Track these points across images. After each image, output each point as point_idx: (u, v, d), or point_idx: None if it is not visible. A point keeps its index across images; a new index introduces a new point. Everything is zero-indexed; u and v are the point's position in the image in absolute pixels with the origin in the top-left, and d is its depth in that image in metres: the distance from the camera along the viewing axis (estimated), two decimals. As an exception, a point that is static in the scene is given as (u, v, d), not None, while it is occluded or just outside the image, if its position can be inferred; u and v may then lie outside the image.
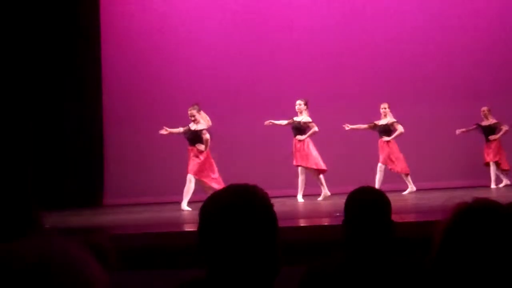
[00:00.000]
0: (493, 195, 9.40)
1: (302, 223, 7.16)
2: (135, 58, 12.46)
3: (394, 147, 11.07)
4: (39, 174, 11.49)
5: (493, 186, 11.25)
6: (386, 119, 11.11)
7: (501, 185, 11.30)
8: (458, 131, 11.48)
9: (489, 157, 11.39)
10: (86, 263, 1.03)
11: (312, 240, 5.45)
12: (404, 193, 10.74)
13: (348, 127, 11.10)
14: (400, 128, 11.03)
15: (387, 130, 11.09)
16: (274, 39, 12.45)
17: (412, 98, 12.04)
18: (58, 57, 11.87)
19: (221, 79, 12.37)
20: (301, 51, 12.38)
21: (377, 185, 10.78)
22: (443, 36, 12.33)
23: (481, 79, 12.17)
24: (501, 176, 11.45)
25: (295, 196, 10.49)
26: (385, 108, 11.09)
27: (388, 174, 11.10)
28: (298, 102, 10.64)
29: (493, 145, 11.46)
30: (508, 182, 11.35)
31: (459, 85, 12.19)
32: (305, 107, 10.61)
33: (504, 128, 11.44)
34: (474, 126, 11.56)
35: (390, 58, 12.26)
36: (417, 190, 10.98)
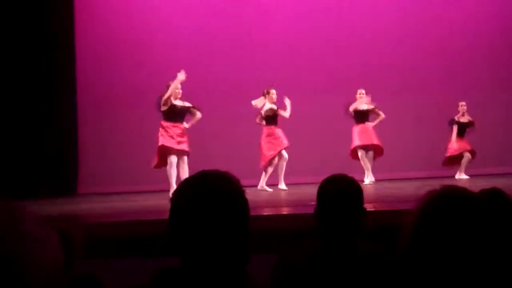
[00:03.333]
0: (463, 185, 9.51)
1: (276, 211, 7.18)
2: (110, 42, 12.37)
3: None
4: (12, 162, 11.39)
5: (463, 176, 11.38)
6: (363, 105, 11.18)
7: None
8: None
9: (466, 147, 11.51)
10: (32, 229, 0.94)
11: (285, 228, 5.48)
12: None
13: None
14: (382, 114, 11.12)
15: (368, 115, 11.20)
16: (252, 30, 12.46)
17: (386, 89, 12.11)
18: (28, 43, 11.73)
19: (199, 68, 12.31)
20: (278, 43, 12.39)
21: (368, 173, 10.88)
22: (418, 30, 12.42)
23: (458, 72, 12.29)
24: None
25: (273, 185, 10.53)
26: (362, 94, 11.14)
27: (377, 165, 11.19)
28: (275, 91, 10.58)
29: (466, 139, 11.59)
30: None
31: (434, 76, 12.29)
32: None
33: (474, 126, 11.59)
34: (452, 123, 11.60)
35: (367, 49, 12.31)
36: (389, 179, 11.09)
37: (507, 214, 1.63)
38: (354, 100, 11.19)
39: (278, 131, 10.54)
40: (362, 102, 11.14)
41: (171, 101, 9.57)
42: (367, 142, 11.05)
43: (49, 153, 11.77)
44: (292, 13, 12.53)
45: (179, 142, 9.55)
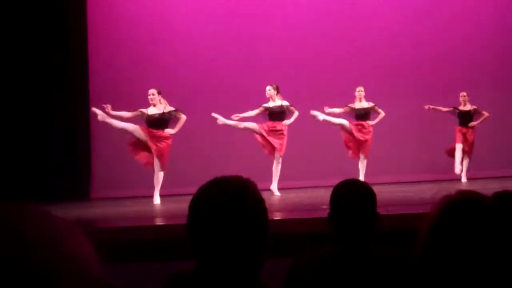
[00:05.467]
0: (475, 187, 9.45)
1: (289, 215, 7.18)
2: (122, 50, 12.44)
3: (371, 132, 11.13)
4: (26, 167, 11.45)
5: (463, 180, 11.26)
6: (363, 103, 11.13)
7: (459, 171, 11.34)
8: (427, 107, 11.39)
9: (466, 147, 11.37)
10: (66, 233, 0.89)
11: (298, 232, 5.47)
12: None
13: (327, 109, 10.95)
14: (382, 112, 11.07)
15: (367, 113, 11.14)
16: (256, 31, 12.48)
17: (398, 91, 12.09)
18: (43, 51, 11.79)
19: (206, 70, 12.36)
20: (280, 43, 12.39)
21: (361, 175, 10.82)
22: (427, 32, 12.40)
23: (464, 73, 12.25)
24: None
25: (281, 188, 10.49)
26: (361, 91, 11.12)
27: (382, 167, 11.15)
28: (267, 88, 10.47)
29: (471, 132, 11.44)
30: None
31: (445, 78, 12.26)
32: (275, 92, 10.46)
33: (485, 114, 11.45)
34: (450, 109, 11.53)
35: (370, 53, 12.30)
36: (403, 182, 11.05)
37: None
38: (353, 97, 11.16)
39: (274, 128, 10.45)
40: (361, 100, 11.10)
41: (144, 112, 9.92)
42: (354, 155, 10.98)
43: (62, 158, 11.82)
44: (298, 16, 12.52)
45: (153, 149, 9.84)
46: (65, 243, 0.88)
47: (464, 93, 11.50)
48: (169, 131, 9.87)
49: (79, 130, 12.14)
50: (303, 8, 12.58)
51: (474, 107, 11.50)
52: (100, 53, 12.43)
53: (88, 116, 12.33)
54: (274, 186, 10.35)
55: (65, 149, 11.87)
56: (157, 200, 9.83)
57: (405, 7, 12.53)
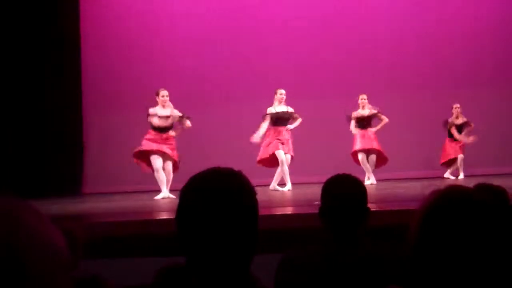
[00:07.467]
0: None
1: (280, 211, 7.18)
2: (116, 42, 12.42)
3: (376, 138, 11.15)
4: (18, 162, 11.42)
5: (462, 176, 11.40)
6: (366, 110, 11.14)
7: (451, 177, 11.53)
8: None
9: (458, 152, 11.50)
10: (38, 224, 0.91)
11: (289, 228, 5.48)
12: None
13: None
14: (385, 119, 11.07)
15: (370, 120, 11.16)
16: (259, 32, 12.47)
17: (390, 89, 12.12)
18: (34, 43, 11.77)
19: (204, 70, 12.35)
20: (283, 44, 12.40)
21: (369, 174, 10.85)
22: (422, 30, 12.43)
23: (458, 72, 12.27)
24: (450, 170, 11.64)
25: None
26: (364, 99, 11.11)
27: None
28: (282, 91, 10.31)
29: (461, 143, 11.56)
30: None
31: (437, 77, 12.29)
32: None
33: (472, 125, 11.53)
34: (450, 125, 11.64)
35: (369, 52, 12.32)
36: (394, 179, 11.09)
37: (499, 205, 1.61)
38: (356, 104, 11.17)
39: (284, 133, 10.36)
40: (364, 108, 11.10)
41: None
42: (367, 146, 10.98)
43: (54, 153, 11.80)
44: (299, 16, 12.51)
45: (160, 146, 9.67)
46: (29, 224, 0.91)
47: (457, 105, 11.55)
48: (173, 132, 9.80)
49: (71, 125, 12.12)
50: (304, 9, 12.56)
51: (465, 120, 11.56)
52: (93, 49, 12.41)
53: (80, 111, 12.32)
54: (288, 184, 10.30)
55: (57, 144, 11.85)
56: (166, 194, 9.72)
57: (406, 5, 12.54)
